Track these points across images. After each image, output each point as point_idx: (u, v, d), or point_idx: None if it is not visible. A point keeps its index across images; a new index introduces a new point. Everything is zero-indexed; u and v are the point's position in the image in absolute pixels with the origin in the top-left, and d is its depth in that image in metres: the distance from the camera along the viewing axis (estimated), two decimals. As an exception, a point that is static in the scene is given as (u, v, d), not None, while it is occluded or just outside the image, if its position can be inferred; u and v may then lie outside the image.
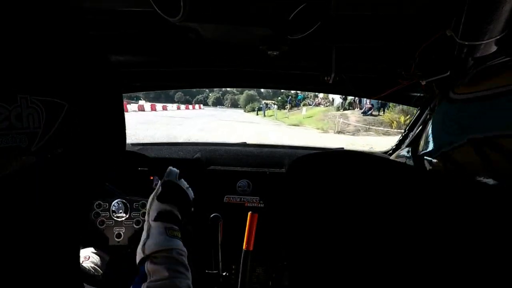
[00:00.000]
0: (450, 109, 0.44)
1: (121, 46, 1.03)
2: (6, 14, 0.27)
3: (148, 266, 0.56)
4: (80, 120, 0.33)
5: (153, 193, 0.70)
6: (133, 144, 1.72)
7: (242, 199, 1.39)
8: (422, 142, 0.50)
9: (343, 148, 2.01)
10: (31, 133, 0.29)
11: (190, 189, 0.79)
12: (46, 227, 0.33)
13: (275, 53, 0.92)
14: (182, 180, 0.78)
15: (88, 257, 0.94)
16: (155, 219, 0.63)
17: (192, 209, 0.77)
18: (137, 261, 0.59)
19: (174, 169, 0.78)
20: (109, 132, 0.39)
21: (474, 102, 0.41)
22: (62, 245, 0.36)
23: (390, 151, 1.63)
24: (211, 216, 1.14)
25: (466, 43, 0.69)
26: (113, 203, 1.00)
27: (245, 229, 1.14)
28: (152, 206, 0.65)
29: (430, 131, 0.49)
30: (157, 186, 0.72)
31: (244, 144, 1.82)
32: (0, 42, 0.26)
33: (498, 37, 0.65)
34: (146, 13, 0.80)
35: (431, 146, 0.45)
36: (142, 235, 0.62)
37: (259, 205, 1.38)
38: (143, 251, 0.58)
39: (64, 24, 0.33)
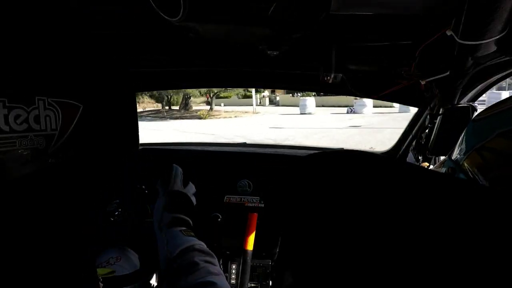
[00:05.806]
0: (475, 125, 0.59)
1: (121, 46, 1.03)
2: (25, 22, 0.27)
3: (179, 262, 0.60)
4: (95, 121, 0.33)
5: (159, 202, 0.74)
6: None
7: (242, 199, 1.39)
8: (455, 150, 0.64)
9: (342, 148, 2.01)
10: (48, 135, 0.29)
11: (193, 187, 0.84)
12: (62, 226, 0.33)
13: (275, 53, 0.92)
14: (189, 183, 0.84)
15: (119, 258, 0.93)
16: (168, 226, 0.68)
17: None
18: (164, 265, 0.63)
19: (179, 169, 0.82)
20: (123, 132, 0.40)
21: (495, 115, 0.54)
22: (75, 243, 0.36)
23: (390, 151, 1.64)
24: (212, 215, 1.14)
25: (466, 43, 0.69)
26: (108, 212, 0.94)
27: (245, 229, 1.14)
28: (163, 217, 0.70)
29: (459, 144, 0.62)
30: (161, 194, 0.76)
31: (244, 144, 1.82)
32: (19, 46, 0.26)
33: (498, 37, 0.65)
34: (146, 13, 0.80)
35: (463, 149, 0.59)
36: (160, 244, 0.66)
37: (259, 205, 1.38)
38: (169, 256, 0.62)
39: (80, 29, 0.34)
